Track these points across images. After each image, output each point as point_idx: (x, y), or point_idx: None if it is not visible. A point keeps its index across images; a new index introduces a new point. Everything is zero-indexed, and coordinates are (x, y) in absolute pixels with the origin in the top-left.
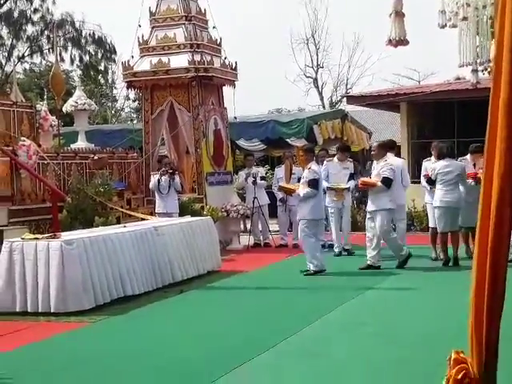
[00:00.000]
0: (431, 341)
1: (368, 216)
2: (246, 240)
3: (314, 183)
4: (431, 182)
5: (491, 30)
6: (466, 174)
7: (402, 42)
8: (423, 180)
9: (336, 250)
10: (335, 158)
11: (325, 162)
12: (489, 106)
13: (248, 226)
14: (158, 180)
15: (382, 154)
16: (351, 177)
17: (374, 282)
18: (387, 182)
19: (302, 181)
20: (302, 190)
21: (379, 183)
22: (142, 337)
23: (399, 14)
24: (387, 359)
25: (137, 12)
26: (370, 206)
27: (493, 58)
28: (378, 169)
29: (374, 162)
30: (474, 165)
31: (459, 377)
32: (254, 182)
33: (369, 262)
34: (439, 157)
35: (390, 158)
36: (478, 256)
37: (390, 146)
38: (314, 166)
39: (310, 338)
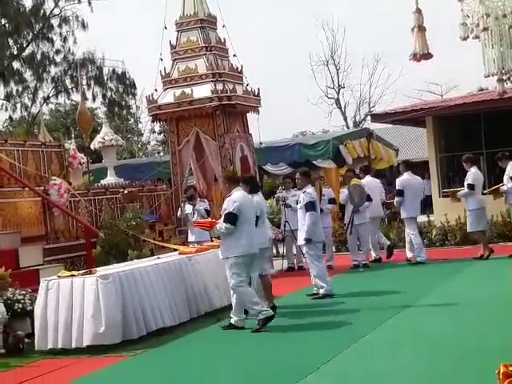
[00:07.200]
0: (475, 356)
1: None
2: (278, 264)
3: (310, 206)
4: None
5: None
6: None
7: (425, 55)
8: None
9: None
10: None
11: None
12: None
13: (280, 250)
14: (180, 208)
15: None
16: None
17: (412, 299)
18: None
19: (299, 205)
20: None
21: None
22: (184, 368)
23: (421, 29)
24: (431, 375)
25: (156, 46)
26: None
27: None
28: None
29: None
30: None
31: None
32: (286, 206)
33: (232, 321)
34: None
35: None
36: None
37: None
38: (309, 189)
39: (350, 360)
